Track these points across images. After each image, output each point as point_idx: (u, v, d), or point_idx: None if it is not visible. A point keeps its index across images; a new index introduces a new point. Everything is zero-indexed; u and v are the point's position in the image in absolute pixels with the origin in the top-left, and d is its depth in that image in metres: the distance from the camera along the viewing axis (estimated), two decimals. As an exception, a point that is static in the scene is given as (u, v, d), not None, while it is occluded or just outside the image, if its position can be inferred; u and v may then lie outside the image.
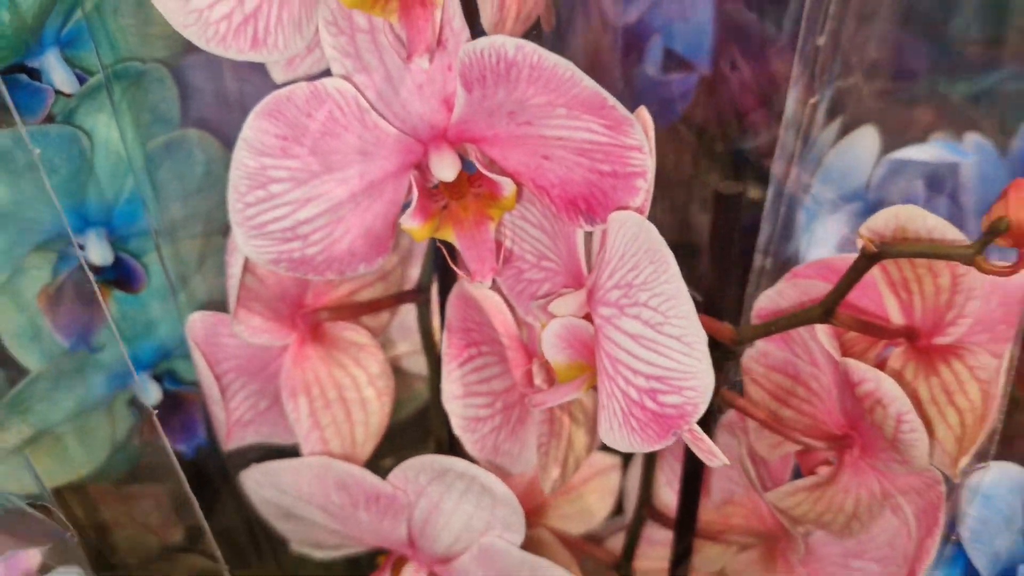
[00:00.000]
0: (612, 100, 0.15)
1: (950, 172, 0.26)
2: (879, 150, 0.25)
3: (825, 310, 0.16)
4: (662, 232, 0.15)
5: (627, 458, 0.26)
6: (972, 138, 0.27)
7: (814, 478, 0.18)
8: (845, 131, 0.25)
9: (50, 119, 0.18)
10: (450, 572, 0.20)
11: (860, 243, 0.16)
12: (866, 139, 0.25)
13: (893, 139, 0.25)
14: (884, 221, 0.16)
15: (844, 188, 0.25)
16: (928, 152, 0.25)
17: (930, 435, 0.17)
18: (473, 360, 0.19)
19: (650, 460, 0.23)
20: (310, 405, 0.20)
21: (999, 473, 0.22)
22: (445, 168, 0.16)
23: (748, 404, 0.19)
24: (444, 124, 0.16)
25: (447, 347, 0.19)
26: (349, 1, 0.15)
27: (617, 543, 0.25)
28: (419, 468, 0.19)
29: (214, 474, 0.21)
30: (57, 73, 0.17)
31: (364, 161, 0.16)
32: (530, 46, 0.15)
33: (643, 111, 0.16)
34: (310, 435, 0.20)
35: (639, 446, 0.16)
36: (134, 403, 0.22)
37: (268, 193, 0.16)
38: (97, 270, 0.19)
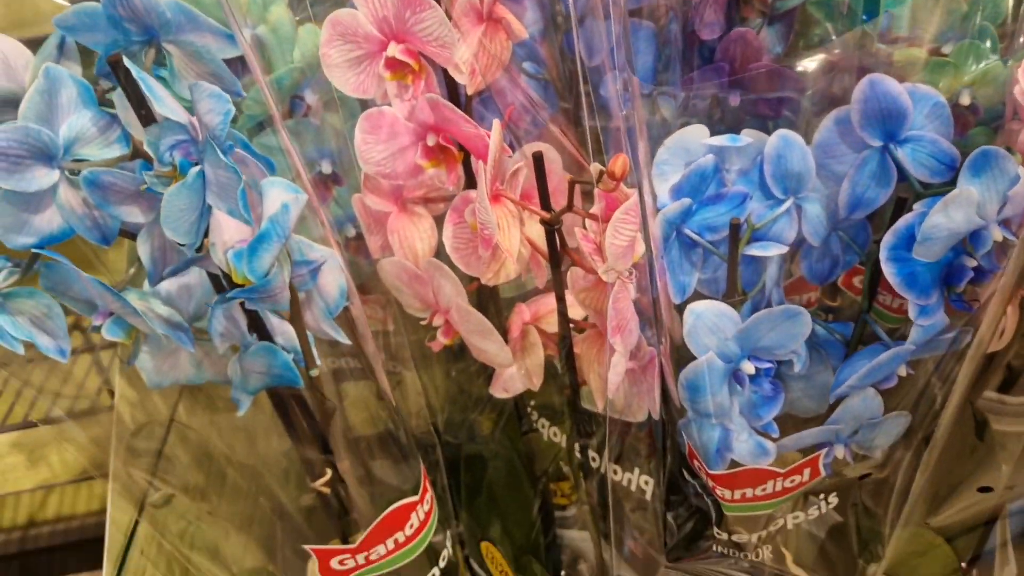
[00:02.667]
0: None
1: (755, 149, 0.44)
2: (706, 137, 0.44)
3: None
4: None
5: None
6: (778, 132, 0.44)
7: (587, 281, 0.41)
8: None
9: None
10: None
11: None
12: (698, 130, 0.44)
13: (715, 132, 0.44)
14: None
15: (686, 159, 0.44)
16: (721, 139, 0.43)
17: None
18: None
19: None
20: (399, 239, 0.46)
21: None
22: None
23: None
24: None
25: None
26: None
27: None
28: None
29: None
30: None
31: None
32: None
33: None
34: (398, 251, 0.46)
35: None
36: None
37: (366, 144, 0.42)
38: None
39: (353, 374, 0.49)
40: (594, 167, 0.37)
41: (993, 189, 0.38)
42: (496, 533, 0.59)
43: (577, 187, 0.43)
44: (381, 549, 0.42)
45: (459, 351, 0.59)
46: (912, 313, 0.40)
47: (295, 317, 0.38)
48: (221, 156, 0.29)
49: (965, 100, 0.44)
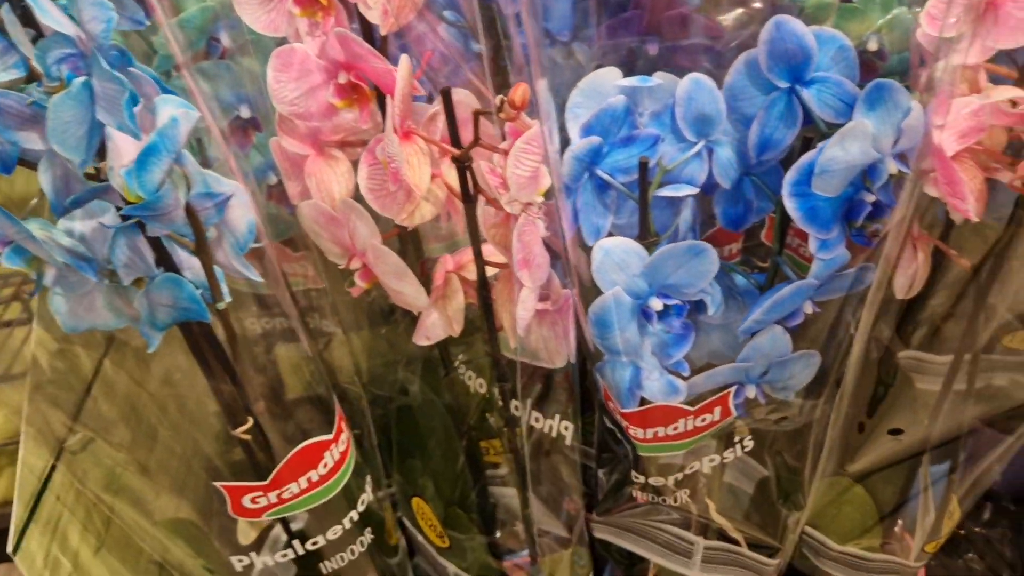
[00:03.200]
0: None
1: (666, 92, 0.44)
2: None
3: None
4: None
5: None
6: (690, 75, 0.45)
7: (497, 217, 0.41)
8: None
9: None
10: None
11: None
12: (610, 72, 0.45)
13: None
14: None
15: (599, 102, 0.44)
16: (632, 81, 0.44)
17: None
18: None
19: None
20: (316, 182, 0.46)
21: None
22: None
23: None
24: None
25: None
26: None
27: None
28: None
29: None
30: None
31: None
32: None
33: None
34: (316, 195, 0.46)
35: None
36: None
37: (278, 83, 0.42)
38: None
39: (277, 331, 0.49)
40: (497, 98, 0.38)
41: (888, 122, 0.38)
42: (425, 488, 0.59)
43: (492, 127, 0.44)
44: (294, 487, 0.42)
45: (389, 310, 0.59)
46: (813, 247, 0.41)
47: (200, 248, 0.38)
48: (105, 66, 0.29)
49: (872, 45, 0.45)
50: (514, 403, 0.52)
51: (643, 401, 0.44)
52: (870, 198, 0.40)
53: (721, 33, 0.48)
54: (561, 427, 0.50)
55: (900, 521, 0.60)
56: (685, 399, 0.44)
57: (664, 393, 0.44)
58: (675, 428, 0.45)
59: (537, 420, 0.51)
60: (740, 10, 0.52)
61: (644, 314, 0.42)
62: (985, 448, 0.59)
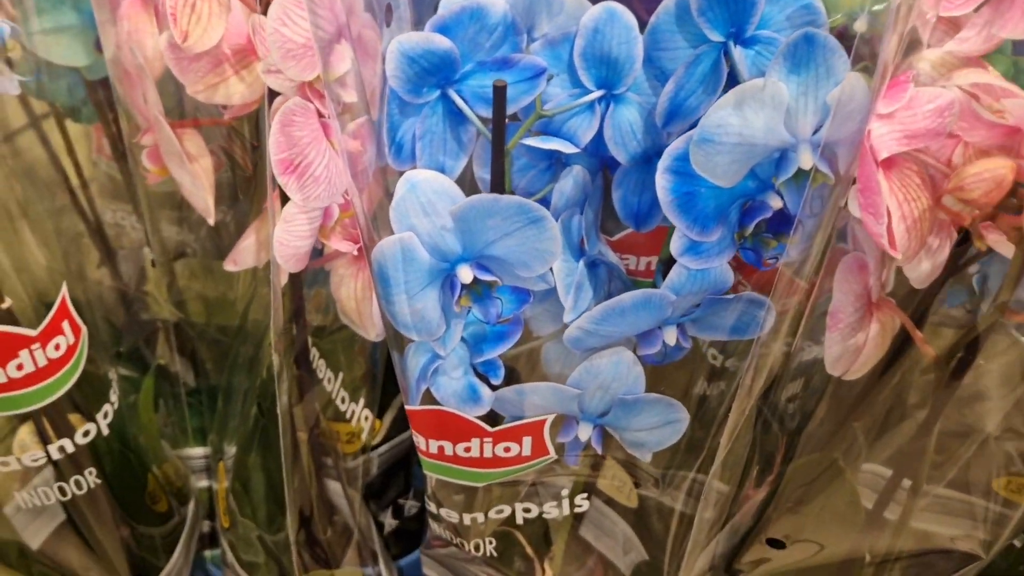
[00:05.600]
0: None
1: (571, 17, 0.34)
2: None
3: None
4: None
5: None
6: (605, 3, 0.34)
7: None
8: None
9: None
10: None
11: None
12: None
13: None
14: None
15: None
16: None
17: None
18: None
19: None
20: (128, 28, 0.37)
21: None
22: None
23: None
24: None
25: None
26: None
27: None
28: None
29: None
30: None
31: None
32: None
33: None
34: (123, 44, 0.37)
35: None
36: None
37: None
38: None
39: None
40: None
41: (812, 93, 0.27)
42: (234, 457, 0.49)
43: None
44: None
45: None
46: (676, 247, 0.29)
47: None
48: None
49: (861, 26, 0.34)
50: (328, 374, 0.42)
51: (431, 400, 0.33)
52: (776, 202, 0.28)
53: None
54: (362, 417, 0.39)
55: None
56: (487, 414, 0.33)
57: (459, 398, 0.33)
58: (466, 449, 0.34)
59: (344, 401, 0.40)
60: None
61: (449, 283, 0.32)
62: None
